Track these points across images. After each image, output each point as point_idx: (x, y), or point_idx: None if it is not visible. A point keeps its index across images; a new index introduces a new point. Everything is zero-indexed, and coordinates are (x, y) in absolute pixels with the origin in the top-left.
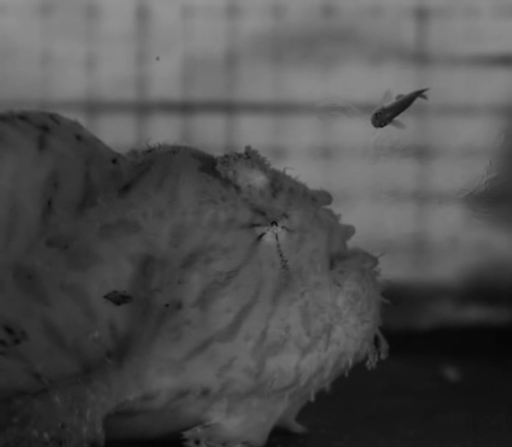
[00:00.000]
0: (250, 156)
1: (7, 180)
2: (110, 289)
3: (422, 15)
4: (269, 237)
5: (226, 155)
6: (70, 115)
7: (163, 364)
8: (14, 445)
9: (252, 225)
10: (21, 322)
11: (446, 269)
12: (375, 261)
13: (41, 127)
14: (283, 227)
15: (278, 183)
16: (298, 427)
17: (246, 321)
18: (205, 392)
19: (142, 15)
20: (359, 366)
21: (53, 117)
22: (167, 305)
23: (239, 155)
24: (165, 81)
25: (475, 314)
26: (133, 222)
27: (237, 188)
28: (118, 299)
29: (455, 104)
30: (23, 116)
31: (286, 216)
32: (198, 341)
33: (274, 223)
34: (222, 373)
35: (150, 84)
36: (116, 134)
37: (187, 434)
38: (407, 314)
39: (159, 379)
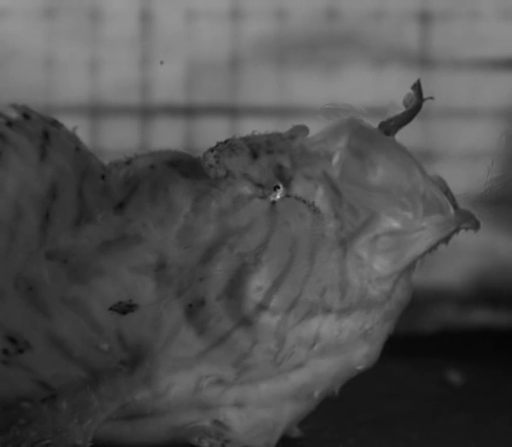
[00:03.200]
0: (227, 141)
1: (13, 188)
2: (114, 300)
3: (425, 19)
4: (280, 200)
5: (204, 154)
6: (73, 119)
7: (176, 362)
8: (10, 444)
9: (261, 197)
10: (25, 333)
11: (449, 273)
12: None
13: (42, 135)
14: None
15: (254, 146)
16: (296, 432)
17: (277, 293)
18: (219, 381)
19: (146, 19)
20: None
21: (54, 125)
22: (190, 306)
23: (215, 147)
24: (168, 85)
25: (478, 317)
26: (134, 235)
27: (228, 173)
28: (124, 309)
29: (458, 108)
30: (28, 115)
31: (283, 179)
32: (221, 332)
33: (276, 187)
34: (240, 362)
35: (153, 87)
36: (120, 138)
37: (196, 426)
38: (410, 317)
39: (171, 376)
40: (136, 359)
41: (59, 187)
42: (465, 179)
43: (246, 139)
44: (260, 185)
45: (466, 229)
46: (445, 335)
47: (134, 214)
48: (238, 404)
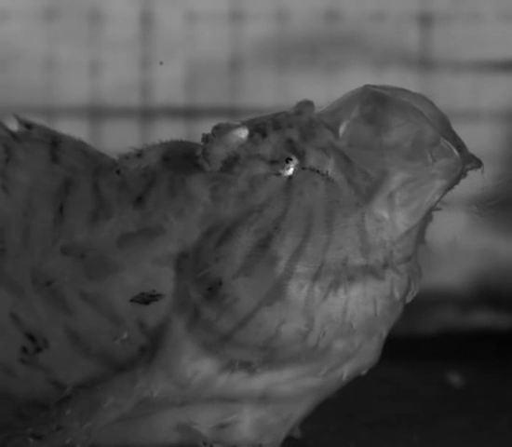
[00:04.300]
0: (213, 132)
1: (24, 187)
2: (136, 292)
3: (425, 20)
4: (296, 172)
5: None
6: (74, 121)
7: (200, 348)
8: (6, 440)
9: (276, 174)
10: (44, 330)
11: (450, 275)
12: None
13: (50, 141)
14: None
15: (261, 124)
16: (297, 432)
17: (299, 264)
18: (246, 367)
19: (146, 20)
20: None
21: (58, 137)
22: (209, 289)
23: (205, 140)
24: (169, 86)
25: (479, 319)
26: (155, 227)
27: (236, 158)
28: (147, 299)
29: (458, 109)
30: (31, 127)
31: (296, 153)
32: (243, 313)
33: (288, 159)
34: (267, 345)
35: (154, 89)
36: (120, 140)
37: (201, 428)
38: (411, 319)
39: (195, 363)
40: (156, 342)
41: (72, 183)
42: (466, 180)
43: (252, 120)
44: (274, 162)
45: (471, 169)
46: (445, 337)
47: (154, 207)
48: (262, 398)
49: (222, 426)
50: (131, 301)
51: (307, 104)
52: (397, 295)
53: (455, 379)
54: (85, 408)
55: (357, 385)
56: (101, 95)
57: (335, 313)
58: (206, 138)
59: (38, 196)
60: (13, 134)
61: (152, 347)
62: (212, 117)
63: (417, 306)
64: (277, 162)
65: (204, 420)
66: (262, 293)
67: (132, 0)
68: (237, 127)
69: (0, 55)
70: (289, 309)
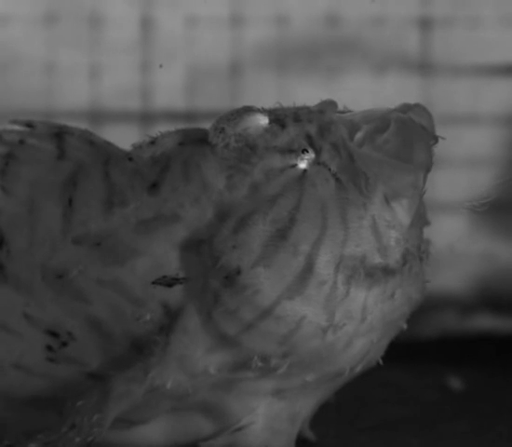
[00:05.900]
0: (232, 114)
1: (27, 185)
2: (156, 276)
3: (425, 25)
4: (310, 165)
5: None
6: (74, 125)
7: (215, 341)
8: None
9: (291, 166)
10: (65, 323)
11: (450, 278)
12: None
13: (55, 135)
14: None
15: (281, 116)
16: (309, 434)
17: (319, 258)
18: (264, 362)
19: (146, 24)
20: (363, 375)
21: (63, 128)
22: (226, 278)
23: (223, 118)
24: (169, 90)
25: (479, 323)
26: (172, 214)
27: (253, 147)
28: (170, 282)
29: (459, 114)
30: (33, 126)
31: (313, 147)
32: (263, 306)
33: (304, 150)
34: (287, 339)
35: (154, 93)
36: (121, 144)
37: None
38: (411, 323)
39: (209, 356)
40: (174, 326)
41: (79, 176)
42: (466, 184)
43: (274, 110)
44: (291, 151)
45: (432, 145)
46: (445, 341)
47: (169, 194)
48: (277, 391)
49: (236, 430)
50: (154, 283)
51: (330, 104)
52: (414, 290)
53: (455, 383)
54: (96, 398)
55: (356, 388)
56: (100, 99)
57: (355, 309)
58: (221, 119)
59: (43, 192)
60: (19, 133)
61: (168, 330)
62: (212, 121)
63: (417, 310)
64: (294, 152)
65: (211, 430)
66: (283, 286)
67: (132, 4)
68: (260, 112)
69: (0, 59)
70: (311, 304)
